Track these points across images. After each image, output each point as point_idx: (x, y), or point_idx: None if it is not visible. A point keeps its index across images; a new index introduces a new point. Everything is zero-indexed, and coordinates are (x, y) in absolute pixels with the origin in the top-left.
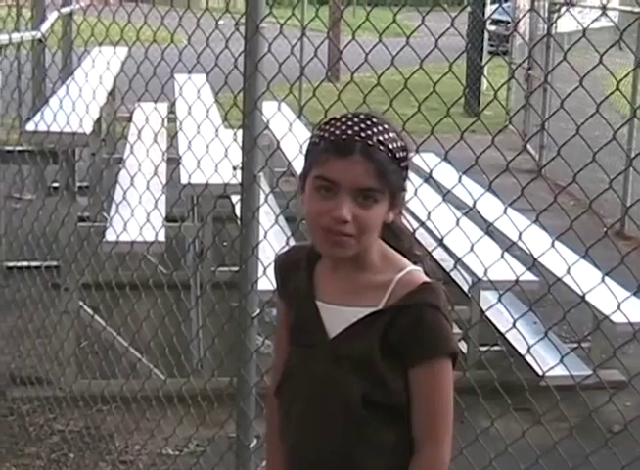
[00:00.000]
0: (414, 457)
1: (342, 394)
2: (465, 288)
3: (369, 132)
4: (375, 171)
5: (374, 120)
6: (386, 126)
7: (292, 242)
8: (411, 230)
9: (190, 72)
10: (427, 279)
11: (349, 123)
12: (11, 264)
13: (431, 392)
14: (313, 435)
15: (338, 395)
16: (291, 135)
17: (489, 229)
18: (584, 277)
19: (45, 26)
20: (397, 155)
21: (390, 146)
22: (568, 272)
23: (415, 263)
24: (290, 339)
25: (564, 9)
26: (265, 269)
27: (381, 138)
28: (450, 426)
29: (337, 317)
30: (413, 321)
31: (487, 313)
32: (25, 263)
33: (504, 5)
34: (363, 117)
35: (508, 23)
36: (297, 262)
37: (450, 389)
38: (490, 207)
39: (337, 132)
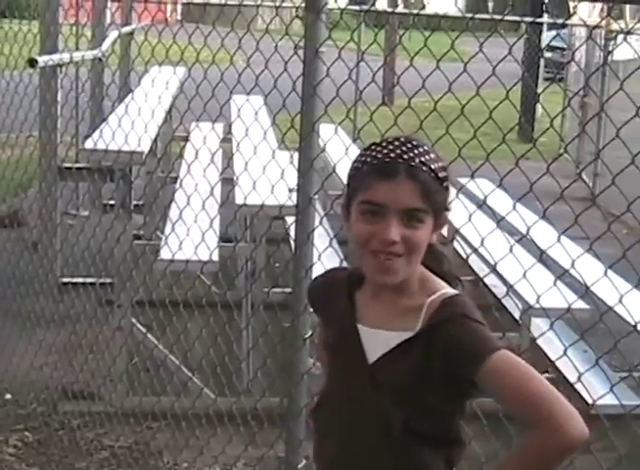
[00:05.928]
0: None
1: (381, 421)
2: (516, 314)
3: (411, 154)
4: (420, 192)
5: (413, 143)
6: (425, 148)
7: (345, 264)
8: (448, 252)
9: (248, 94)
10: (448, 294)
11: (390, 147)
12: (66, 280)
13: (507, 383)
14: (353, 464)
15: (378, 421)
16: (347, 158)
17: (542, 256)
18: (636, 306)
19: (105, 45)
20: (439, 175)
21: (433, 166)
22: (620, 301)
23: (456, 286)
24: (329, 361)
25: (621, 37)
26: None
27: (423, 159)
28: (556, 400)
29: (376, 341)
30: (444, 339)
31: (538, 341)
32: (80, 279)
33: (560, 32)
34: (403, 140)
35: (564, 50)
36: (337, 285)
37: (526, 367)
38: (544, 234)
39: (379, 156)
